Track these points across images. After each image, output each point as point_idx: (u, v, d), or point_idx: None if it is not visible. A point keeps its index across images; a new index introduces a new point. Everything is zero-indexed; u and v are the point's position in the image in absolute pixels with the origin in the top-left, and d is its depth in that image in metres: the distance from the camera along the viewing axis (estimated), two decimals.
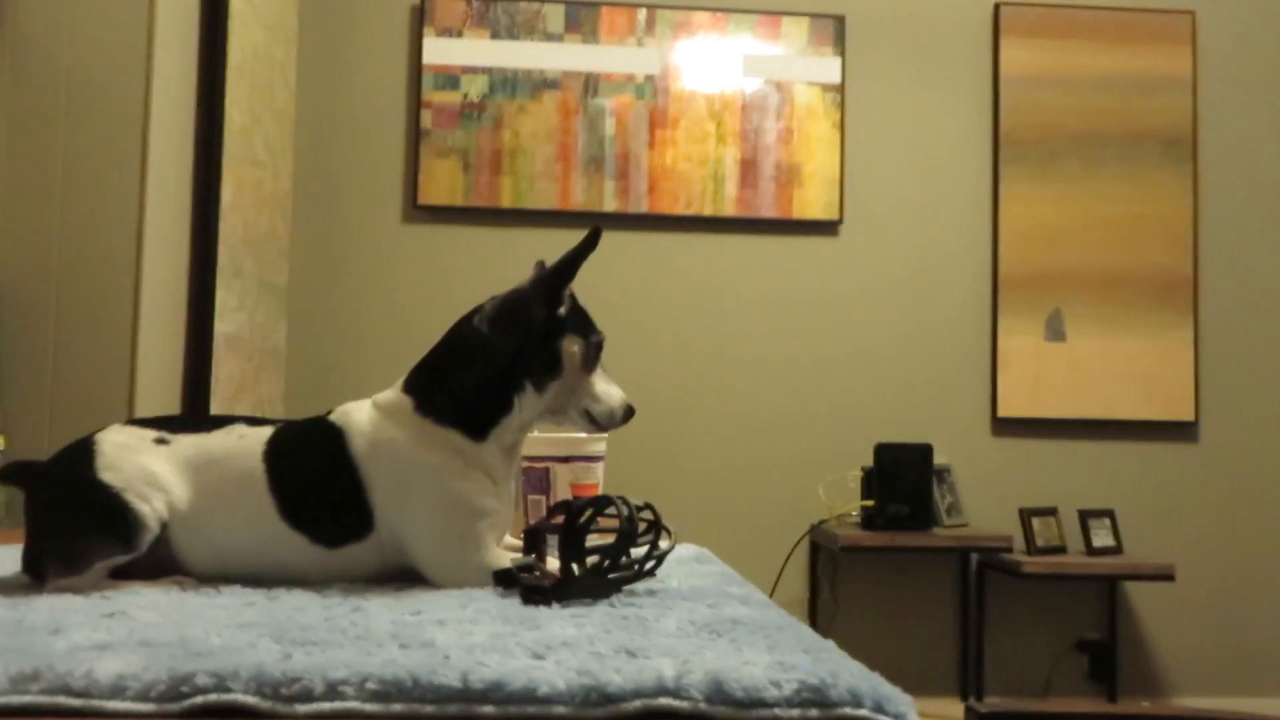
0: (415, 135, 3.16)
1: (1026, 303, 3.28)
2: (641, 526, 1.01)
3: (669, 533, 1.04)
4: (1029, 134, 3.32)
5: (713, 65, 3.25)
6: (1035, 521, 3.06)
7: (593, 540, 1.03)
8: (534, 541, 1.08)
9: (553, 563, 1.04)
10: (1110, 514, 3.14)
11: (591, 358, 1.14)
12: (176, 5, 2.26)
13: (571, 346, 1.12)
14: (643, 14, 3.23)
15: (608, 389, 1.16)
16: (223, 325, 2.44)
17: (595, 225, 1.12)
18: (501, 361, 1.09)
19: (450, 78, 3.17)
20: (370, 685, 0.64)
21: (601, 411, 1.15)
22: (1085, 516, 3.10)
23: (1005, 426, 3.27)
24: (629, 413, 1.16)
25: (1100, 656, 3.19)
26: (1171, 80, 3.34)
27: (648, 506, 1.03)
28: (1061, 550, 3.07)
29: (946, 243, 3.30)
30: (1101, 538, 3.08)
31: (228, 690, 0.63)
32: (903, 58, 3.33)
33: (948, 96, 3.33)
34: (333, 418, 1.11)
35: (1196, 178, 3.33)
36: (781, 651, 0.73)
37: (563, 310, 1.12)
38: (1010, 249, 3.29)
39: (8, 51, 2.11)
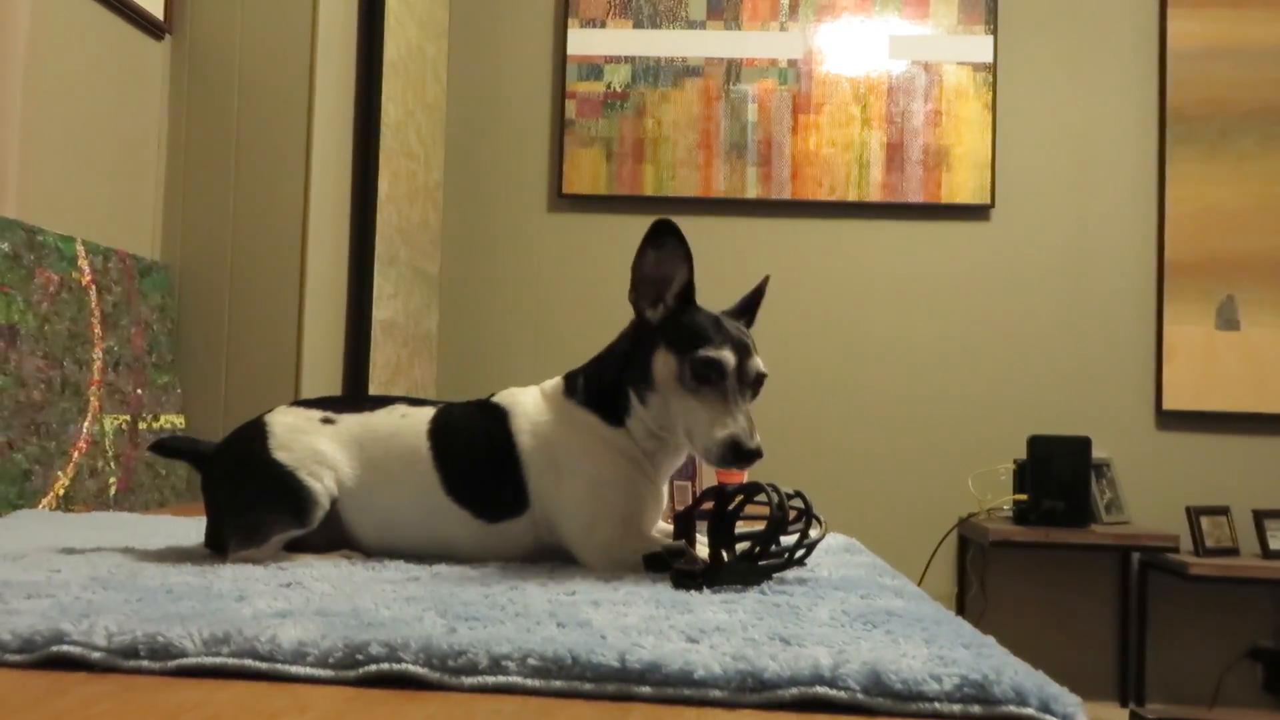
0: (560, 125, 3.21)
1: (1195, 289, 3.09)
2: (791, 514, 1.00)
3: (820, 522, 1.03)
4: (1199, 110, 3.11)
5: (857, 48, 3.17)
6: (1205, 521, 2.88)
7: (741, 527, 1.03)
8: (684, 527, 1.09)
9: (702, 548, 1.04)
10: None
11: (688, 376, 1.01)
12: (337, 7, 2.37)
13: (664, 360, 1.04)
14: None
15: (716, 418, 0.98)
16: (379, 312, 2.55)
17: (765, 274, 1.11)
18: (619, 362, 1.10)
19: (594, 68, 3.21)
20: (531, 661, 0.66)
21: (698, 443, 1.00)
22: (1261, 517, 2.91)
23: (1171, 420, 3.09)
24: (736, 454, 0.96)
25: (1277, 666, 2.98)
26: None
27: (798, 495, 1.02)
28: (1234, 552, 2.89)
29: (1107, 226, 3.14)
30: (1279, 540, 2.88)
31: (399, 660, 0.66)
32: (1060, 33, 3.18)
33: (1109, 72, 3.17)
34: (497, 399, 1.14)
35: None
36: (940, 645, 0.72)
37: (653, 316, 1.07)
38: (1177, 232, 3.10)
39: (186, 55, 2.25)
